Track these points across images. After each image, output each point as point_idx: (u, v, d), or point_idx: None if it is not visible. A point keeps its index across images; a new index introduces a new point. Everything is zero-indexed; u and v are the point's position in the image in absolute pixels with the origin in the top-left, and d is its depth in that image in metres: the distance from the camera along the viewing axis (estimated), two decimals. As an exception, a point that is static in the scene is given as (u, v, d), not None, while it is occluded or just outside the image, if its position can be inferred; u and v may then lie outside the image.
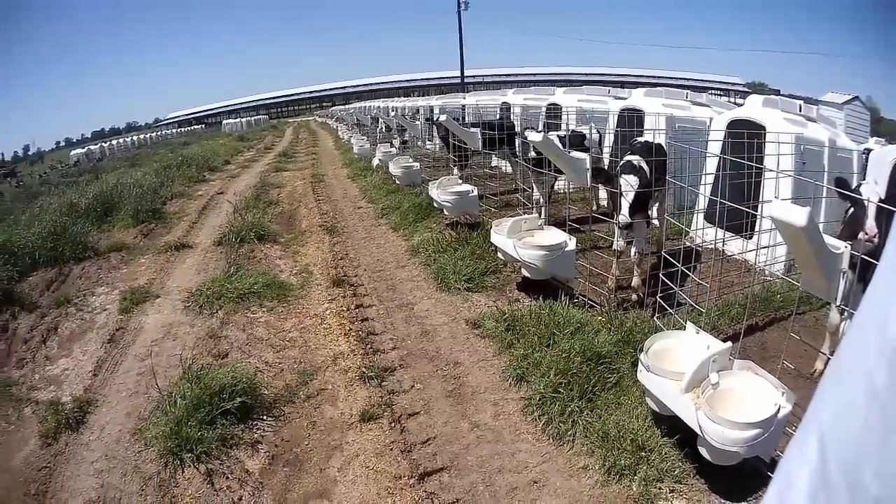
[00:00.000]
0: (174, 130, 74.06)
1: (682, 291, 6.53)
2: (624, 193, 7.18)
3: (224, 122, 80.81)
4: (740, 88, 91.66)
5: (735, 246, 8.98)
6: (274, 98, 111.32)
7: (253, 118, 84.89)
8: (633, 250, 8.04)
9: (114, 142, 53.91)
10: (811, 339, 6.90)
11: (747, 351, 6.59)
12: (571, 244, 7.93)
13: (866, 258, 4.58)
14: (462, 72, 70.58)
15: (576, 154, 8.42)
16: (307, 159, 28.00)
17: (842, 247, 4.46)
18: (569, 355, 6.00)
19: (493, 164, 17.50)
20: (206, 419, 5.35)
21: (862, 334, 0.85)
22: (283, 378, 6.34)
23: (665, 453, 4.83)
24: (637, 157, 7.77)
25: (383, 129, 27.42)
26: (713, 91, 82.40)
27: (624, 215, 7.13)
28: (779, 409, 4.35)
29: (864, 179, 8.70)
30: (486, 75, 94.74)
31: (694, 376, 4.63)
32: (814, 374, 6.45)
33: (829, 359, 6.14)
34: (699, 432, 4.37)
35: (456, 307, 8.09)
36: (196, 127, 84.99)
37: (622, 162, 7.70)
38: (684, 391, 4.61)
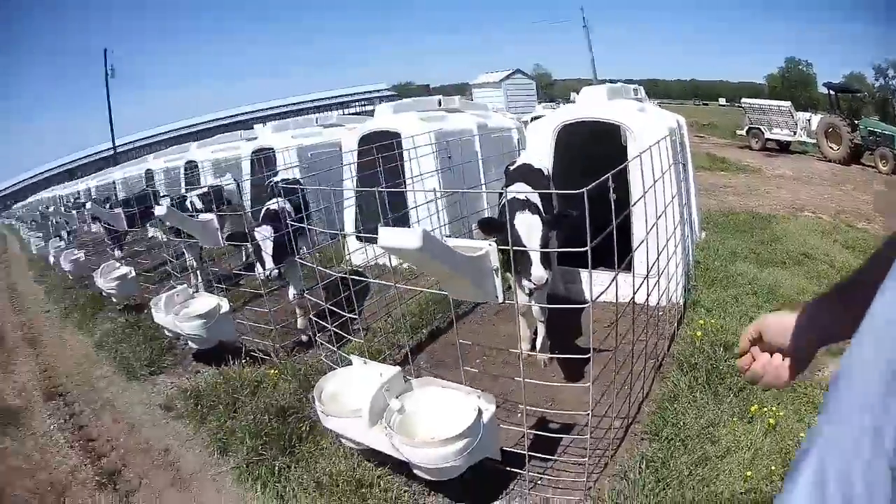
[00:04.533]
0: None
1: (336, 326, 6.35)
2: (263, 248, 7.28)
3: None
4: (387, 94, 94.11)
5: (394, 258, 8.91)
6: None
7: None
8: (290, 292, 8.14)
9: None
10: (505, 324, 7.41)
11: (438, 355, 6.94)
12: (225, 305, 7.87)
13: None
14: (114, 141, 68.64)
15: (202, 217, 8.48)
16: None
17: (484, 246, 4.32)
18: (256, 416, 6.02)
19: (150, 235, 17.02)
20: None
21: (861, 352, 0.98)
22: (45, 501, 6.03)
23: (386, 484, 4.86)
24: (276, 200, 7.95)
25: (53, 222, 25.97)
26: (358, 102, 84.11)
27: (269, 266, 7.22)
28: (480, 412, 4.33)
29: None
30: (138, 140, 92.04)
31: (373, 409, 4.56)
32: (521, 358, 6.54)
33: (532, 338, 6.57)
34: (406, 460, 4.30)
35: (148, 394, 7.88)
36: None
37: (263, 210, 7.90)
38: (370, 426, 4.53)
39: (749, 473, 4.58)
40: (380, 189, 7.58)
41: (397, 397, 4.66)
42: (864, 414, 0.91)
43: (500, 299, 4.44)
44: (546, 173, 7.18)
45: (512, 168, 7.36)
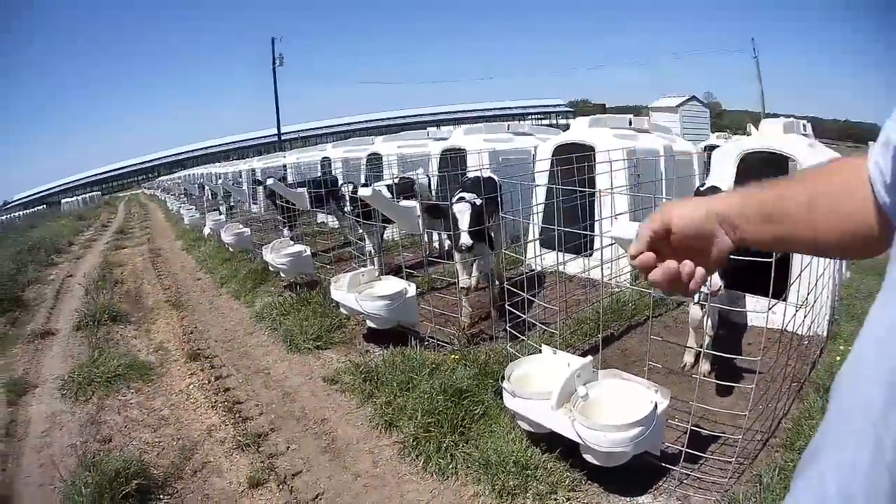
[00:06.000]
0: (20, 213, 70.73)
1: (530, 317, 6.84)
2: (459, 219, 7.55)
3: (63, 201, 78.86)
4: (563, 109, 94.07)
5: (576, 266, 9.41)
6: (105, 173, 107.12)
7: (88, 195, 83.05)
8: (470, 281, 8.41)
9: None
10: (674, 337, 7.38)
11: (609, 361, 6.94)
12: (411, 290, 8.22)
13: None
14: (279, 129, 69.61)
15: (405, 203, 8.81)
16: (142, 234, 27.41)
17: None
18: (431, 395, 6.21)
19: (320, 220, 17.62)
20: (112, 506, 5.29)
21: (861, 363, 0.99)
22: (166, 456, 6.26)
23: (551, 467, 5.07)
24: (469, 194, 8.12)
25: (209, 197, 27.10)
26: (533, 115, 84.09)
27: (464, 235, 7.55)
28: (655, 405, 4.69)
29: (706, 178, 9.20)
30: (303, 130, 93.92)
31: (562, 392, 4.89)
32: (684, 368, 6.99)
33: (697, 352, 6.78)
34: (580, 441, 4.65)
35: (310, 366, 8.26)
36: (39, 208, 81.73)
37: (455, 199, 8.04)
38: (555, 408, 4.86)
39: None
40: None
41: (584, 385, 5.05)
42: (865, 424, 0.91)
43: (696, 299, 4.97)
44: None
45: (703, 189, 7.81)
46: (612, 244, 7.29)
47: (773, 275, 4.55)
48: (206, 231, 18.64)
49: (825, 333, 7.84)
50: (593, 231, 8.95)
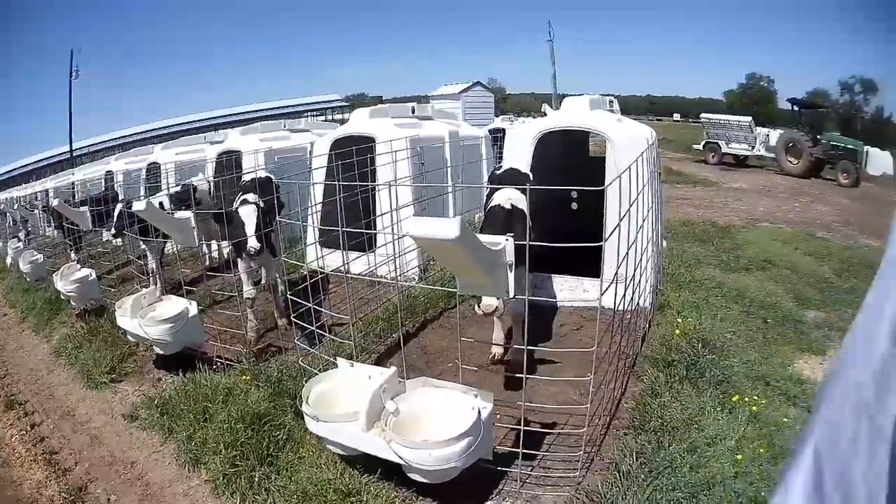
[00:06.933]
0: None
1: (318, 328, 6.44)
2: (246, 222, 7.53)
3: None
4: (339, 104, 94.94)
5: (361, 264, 9.08)
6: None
7: None
8: (248, 291, 8.36)
9: None
10: (474, 328, 7.28)
11: (408, 360, 6.67)
12: (193, 308, 7.75)
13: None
14: (71, 146, 67.59)
15: (179, 214, 8.45)
16: (-43, 271, 25.93)
17: (501, 241, 4.41)
18: (230, 425, 5.86)
19: (105, 239, 16.90)
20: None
21: (852, 351, 0.96)
22: None
23: (375, 490, 4.82)
24: (251, 195, 8.06)
25: (11, 223, 25.75)
26: (310, 113, 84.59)
27: (253, 238, 7.43)
28: (479, 411, 4.42)
29: (499, 162, 9.02)
30: (93, 144, 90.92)
31: (370, 411, 4.60)
32: (493, 359, 6.78)
33: (505, 345, 6.72)
34: (403, 462, 4.34)
35: (110, 403, 7.74)
36: None
37: (238, 201, 8.02)
38: (366, 429, 4.53)
39: (739, 457, 4.78)
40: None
41: (392, 399, 4.67)
42: (859, 412, 0.90)
43: (511, 294, 4.53)
44: (531, 178, 7.32)
45: (499, 172, 7.63)
46: (398, 238, 6.99)
47: (603, 257, 4.51)
48: (9, 261, 17.39)
49: (649, 306, 7.79)
50: (376, 227, 8.80)
